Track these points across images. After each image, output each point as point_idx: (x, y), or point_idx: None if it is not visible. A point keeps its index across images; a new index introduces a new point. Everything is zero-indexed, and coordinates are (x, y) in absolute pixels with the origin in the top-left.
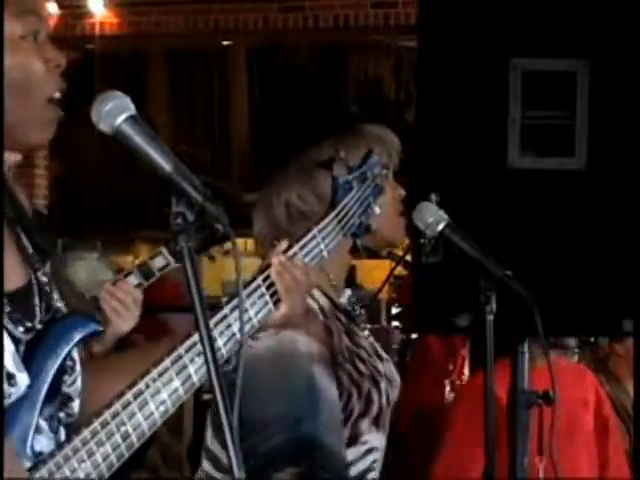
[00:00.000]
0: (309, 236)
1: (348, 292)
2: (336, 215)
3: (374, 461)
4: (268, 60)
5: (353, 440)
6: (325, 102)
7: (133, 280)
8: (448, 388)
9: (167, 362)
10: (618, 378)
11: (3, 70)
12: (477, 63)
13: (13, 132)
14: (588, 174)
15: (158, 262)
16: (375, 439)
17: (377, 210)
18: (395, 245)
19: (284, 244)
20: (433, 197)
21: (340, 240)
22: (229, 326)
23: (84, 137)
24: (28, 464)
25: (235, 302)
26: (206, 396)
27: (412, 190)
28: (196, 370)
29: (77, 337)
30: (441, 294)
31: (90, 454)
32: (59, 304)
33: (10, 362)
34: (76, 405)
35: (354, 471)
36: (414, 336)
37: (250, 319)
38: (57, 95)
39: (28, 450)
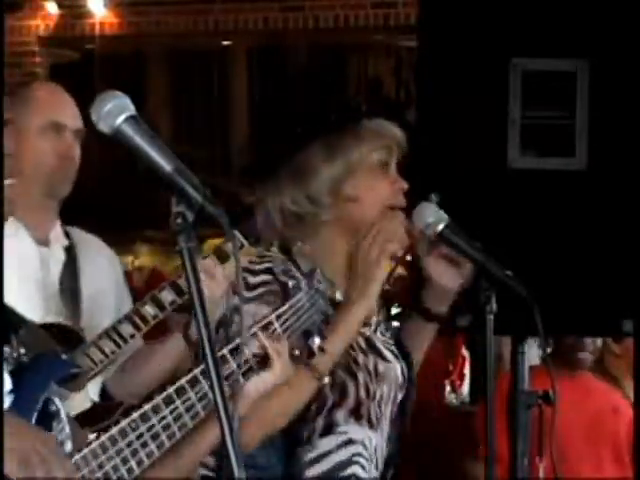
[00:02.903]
0: (265, 322)
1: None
2: (290, 307)
3: (356, 454)
4: (268, 60)
5: (328, 429)
6: (325, 102)
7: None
8: (448, 388)
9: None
10: (614, 377)
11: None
12: (477, 63)
13: None
14: (588, 174)
15: None
16: (356, 431)
17: (317, 340)
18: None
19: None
20: (433, 197)
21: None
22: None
23: (84, 137)
24: None
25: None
26: None
27: (412, 190)
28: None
29: (53, 381)
30: None
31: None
32: None
33: None
34: (68, 449)
35: (330, 461)
36: None
37: None
38: None
39: None
